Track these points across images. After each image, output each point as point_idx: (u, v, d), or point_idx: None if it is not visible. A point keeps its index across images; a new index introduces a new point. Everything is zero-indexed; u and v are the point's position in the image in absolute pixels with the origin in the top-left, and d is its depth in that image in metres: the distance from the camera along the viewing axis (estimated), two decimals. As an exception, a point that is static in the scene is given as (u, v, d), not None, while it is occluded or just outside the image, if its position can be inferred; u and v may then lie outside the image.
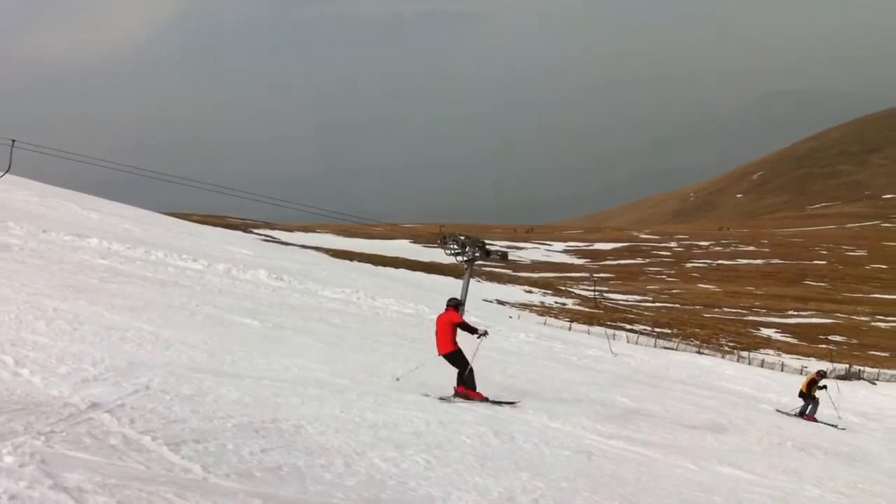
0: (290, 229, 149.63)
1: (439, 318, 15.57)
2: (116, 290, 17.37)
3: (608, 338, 40.17)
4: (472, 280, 38.59)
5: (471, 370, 14.97)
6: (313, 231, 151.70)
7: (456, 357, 15.16)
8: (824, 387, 27.40)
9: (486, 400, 14.77)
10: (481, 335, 15.31)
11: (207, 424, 8.45)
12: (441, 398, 14.16)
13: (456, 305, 15.85)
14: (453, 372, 14.88)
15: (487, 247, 36.95)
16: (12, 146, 22.76)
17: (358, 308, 30.03)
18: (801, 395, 27.28)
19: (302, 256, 60.73)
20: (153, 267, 26.13)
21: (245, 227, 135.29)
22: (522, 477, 9.10)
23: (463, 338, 15.02)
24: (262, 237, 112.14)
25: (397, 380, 15.10)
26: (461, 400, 14.44)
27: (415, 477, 8.21)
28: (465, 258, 36.42)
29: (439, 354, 15.36)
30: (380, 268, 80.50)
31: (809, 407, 26.65)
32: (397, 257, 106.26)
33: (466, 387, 14.97)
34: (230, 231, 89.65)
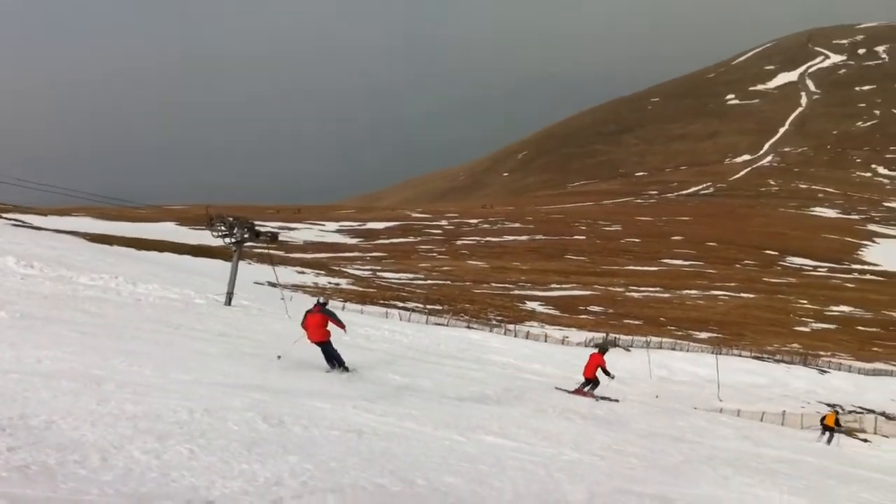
0: (43, 213, 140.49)
1: (592, 356, 26.30)
2: None
3: (285, 300, 38.83)
4: (242, 262, 37.80)
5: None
6: (70, 215, 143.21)
7: (596, 382, 25.92)
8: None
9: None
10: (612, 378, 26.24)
11: (-56, 425, 7.79)
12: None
13: (604, 350, 26.76)
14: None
15: (257, 228, 36.35)
16: None
17: (118, 295, 28.63)
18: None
19: (56, 242, 57.09)
20: None
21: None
22: (291, 460, 9.01)
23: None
24: (12, 222, 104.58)
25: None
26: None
27: (177, 468, 7.94)
28: (234, 240, 35.64)
29: (585, 377, 26.09)
30: (143, 252, 77.00)
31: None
32: (162, 240, 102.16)
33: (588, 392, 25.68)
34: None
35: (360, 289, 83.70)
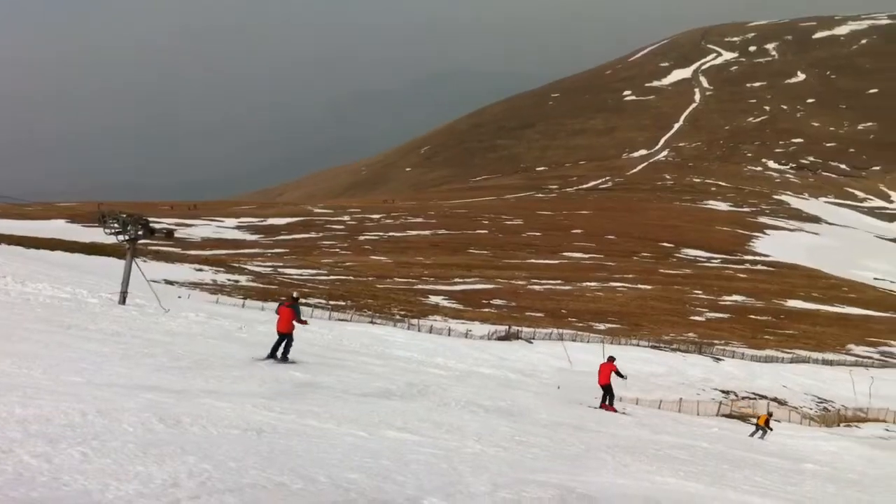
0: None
1: (602, 365, 28.76)
2: None
3: (157, 295, 37.13)
4: (137, 259, 36.87)
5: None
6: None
7: (610, 388, 28.40)
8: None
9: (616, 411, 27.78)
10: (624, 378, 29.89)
11: None
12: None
13: (612, 359, 29.05)
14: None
15: (151, 225, 35.52)
16: None
17: (5, 294, 27.62)
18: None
19: (-60, 241, 54.91)
20: None
21: None
22: (189, 461, 8.81)
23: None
24: None
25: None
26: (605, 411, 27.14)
27: (69, 471, 7.69)
28: (127, 237, 34.74)
29: (600, 385, 28.60)
30: (32, 250, 74.32)
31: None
32: (52, 238, 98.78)
33: (609, 405, 28.14)
34: None
35: (262, 285, 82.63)
